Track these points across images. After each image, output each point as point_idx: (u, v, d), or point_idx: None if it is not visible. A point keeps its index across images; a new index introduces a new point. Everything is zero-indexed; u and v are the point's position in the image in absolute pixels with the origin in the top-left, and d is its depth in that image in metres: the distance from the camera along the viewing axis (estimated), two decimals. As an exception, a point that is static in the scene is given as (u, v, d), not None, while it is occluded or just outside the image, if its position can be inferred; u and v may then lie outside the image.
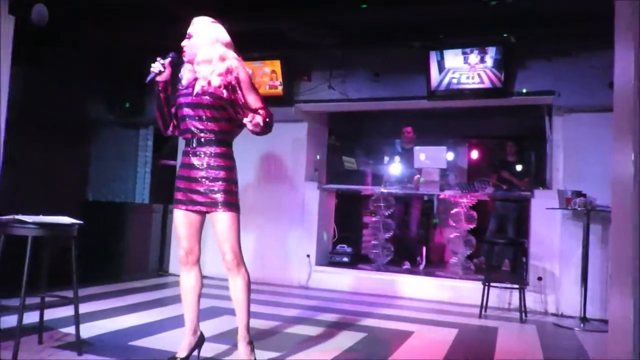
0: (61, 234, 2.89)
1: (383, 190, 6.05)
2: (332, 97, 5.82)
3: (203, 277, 2.86)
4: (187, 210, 2.70)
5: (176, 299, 4.68)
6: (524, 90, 5.16)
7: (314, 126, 6.33)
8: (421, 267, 6.27)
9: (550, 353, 3.54)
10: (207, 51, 2.66)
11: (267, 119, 2.62)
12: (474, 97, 5.32)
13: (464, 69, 5.24)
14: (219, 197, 2.63)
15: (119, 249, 5.88)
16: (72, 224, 2.90)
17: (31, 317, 3.12)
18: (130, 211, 6.11)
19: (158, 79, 2.71)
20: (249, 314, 2.72)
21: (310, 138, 6.21)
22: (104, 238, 5.75)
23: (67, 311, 3.26)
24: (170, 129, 2.83)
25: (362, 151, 8.41)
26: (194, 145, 2.67)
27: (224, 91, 2.62)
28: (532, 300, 4.97)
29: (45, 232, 2.78)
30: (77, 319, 2.92)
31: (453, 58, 5.27)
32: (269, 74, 5.83)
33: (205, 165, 2.65)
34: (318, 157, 6.35)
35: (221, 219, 2.64)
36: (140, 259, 6.14)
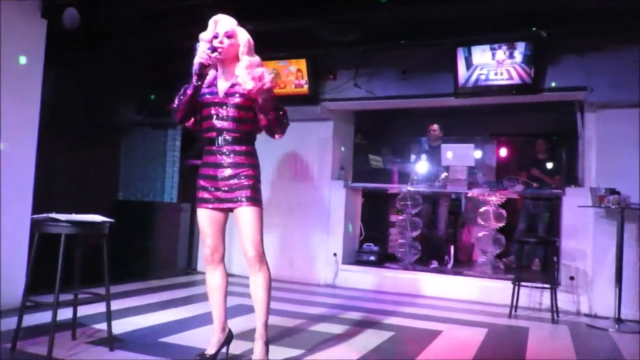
0: (93, 232, 2.95)
1: (410, 188, 6.00)
2: (358, 95, 5.80)
3: (229, 275, 2.88)
4: (214, 209, 2.72)
5: (204, 297, 4.72)
6: (555, 86, 5.06)
7: (340, 125, 6.32)
8: (449, 266, 6.20)
9: (584, 354, 3.46)
10: (251, 58, 2.69)
11: (282, 114, 2.71)
12: (502, 93, 5.23)
13: (492, 65, 5.16)
14: (244, 193, 2.66)
15: (148, 247, 5.98)
16: (104, 222, 2.96)
17: (65, 314, 3.19)
18: (159, 210, 6.21)
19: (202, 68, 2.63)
20: (268, 312, 2.74)
21: (336, 137, 6.20)
22: (133, 236, 5.85)
23: (99, 308, 3.31)
24: (191, 123, 2.79)
25: (389, 149, 8.36)
26: (221, 144, 2.68)
27: (254, 94, 2.66)
28: (564, 300, 4.87)
29: (78, 230, 2.84)
30: (108, 316, 2.98)
31: (481, 54, 5.19)
32: (294, 73, 5.85)
33: (232, 164, 2.67)
34: (343, 148, 6.32)
35: (246, 214, 2.66)
36: (168, 257, 6.23)
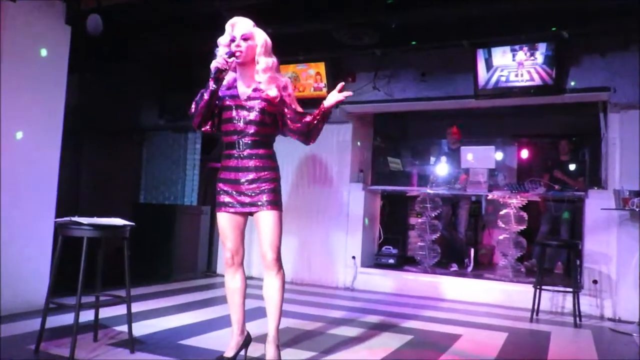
0: (114, 235, 2.99)
1: (429, 191, 5.96)
2: (377, 98, 5.80)
3: (248, 278, 2.89)
4: (234, 212, 2.73)
5: (224, 299, 4.75)
6: (577, 87, 4.99)
7: (359, 127, 6.32)
8: (469, 269, 6.14)
9: (607, 359, 3.39)
10: (267, 59, 2.71)
11: (315, 121, 2.74)
12: (523, 95, 5.18)
13: (513, 66, 5.11)
14: (265, 196, 2.67)
15: (169, 250, 6.04)
16: (125, 226, 3.00)
17: (87, 316, 3.25)
18: (180, 213, 6.26)
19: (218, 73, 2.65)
20: (281, 316, 2.74)
21: (355, 139, 6.19)
22: (154, 239, 5.93)
23: (121, 310, 3.36)
24: (208, 126, 2.78)
25: (408, 152, 8.32)
26: (241, 147, 2.69)
27: (277, 102, 2.71)
28: (587, 304, 4.79)
29: (99, 234, 2.88)
30: (129, 318, 3.02)
31: (501, 56, 5.14)
32: (313, 76, 5.86)
33: (253, 167, 2.69)
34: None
35: (266, 217, 2.67)
36: (189, 260, 6.28)
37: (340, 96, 2.72)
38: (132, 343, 3.01)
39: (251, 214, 2.73)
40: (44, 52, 4.03)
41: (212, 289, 5.51)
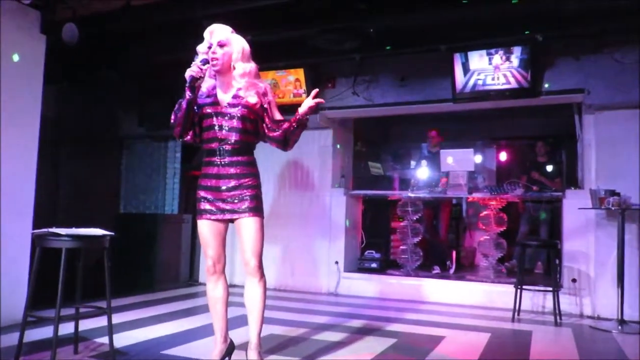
0: (94, 246, 2.95)
1: (410, 194, 6.01)
2: (357, 103, 5.83)
3: (231, 285, 2.88)
4: (216, 220, 2.72)
5: (207, 308, 4.72)
6: (552, 89, 5.08)
7: (339, 133, 6.34)
8: (451, 271, 6.19)
9: (588, 357, 3.45)
10: (245, 64, 2.71)
11: (291, 129, 2.74)
12: (500, 98, 5.26)
13: (489, 70, 5.19)
14: (247, 203, 2.67)
15: (150, 260, 5.99)
16: (104, 236, 2.96)
17: (67, 328, 3.19)
18: (161, 222, 6.21)
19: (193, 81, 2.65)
20: (263, 323, 2.74)
21: (336, 144, 6.22)
22: (135, 249, 5.87)
23: (101, 321, 3.32)
24: (190, 136, 2.77)
25: (389, 156, 8.37)
26: (222, 154, 2.68)
27: (258, 108, 2.72)
28: (566, 303, 4.86)
29: (78, 244, 2.84)
30: (110, 329, 2.98)
31: (478, 59, 5.22)
32: (292, 82, 5.88)
33: (234, 174, 2.68)
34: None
35: (248, 224, 2.67)
36: (170, 269, 6.23)
37: (313, 102, 2.72)
38: (114, 355, 2.97)
39: (232, 221, 2.73)
40: (15, 57, 3.96)
41: (194, 298, 5.46)
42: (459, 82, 5.29)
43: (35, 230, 2.91)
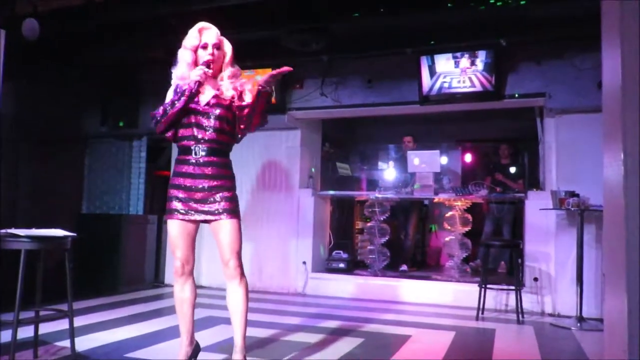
0: (54, 247, 2.88)
1: (378, 195, 6.06)
2: (325, 104, 5.84)
3: (198, 287, 2.84)
4: (187, 220, 2.67)
5: (173, 310, 4.66)
6: (515, 94, 5.20)
7: (307, 133, 6.35)
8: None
9: (548, 353, 3.54)
10: (233, 68, 2.73)
11: (253, 104, 2.67)
12: (465, 100, 5.35)
13: (455, 73, 5.28)
14: (224, 205, 2.65)
15: (114, 261, 5.87)
16: (65, 237, 2.89)
17: (26, 332, 3.10)
18: (125, 223, 6.09)
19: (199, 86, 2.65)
20: (247, 324, 2.71)
21: (303, 145, 6.22)
22: (98, 250, 5.75)
23: (63, 325, 3.24)
24: (171, 134, 2.72)
25: (357, 157, 8.43)
26: (198, 154, 2.64)
27: (232, 105, 2.69)
28: (528, 301, 4.99)
29: (38, 246, 2.77)
30: (72, 333, 2.91)
31: (444, 63, 5.30)
32: (260, 83, 5.83)
33: (210, 175, 2.65)
34: (313, 170, 6.34)
35: (226, 226, 2.65)
36: (135, 271, 6.12)
37: (275, 71, 2.60)
38: (75, 358, 2.90)
39: (206, 221, 2.69)
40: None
41: (159, 299, 5.38)
42: (426, 84, 5.37)
43: (-7, 231, 2.82)
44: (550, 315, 4.92)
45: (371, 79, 5.67)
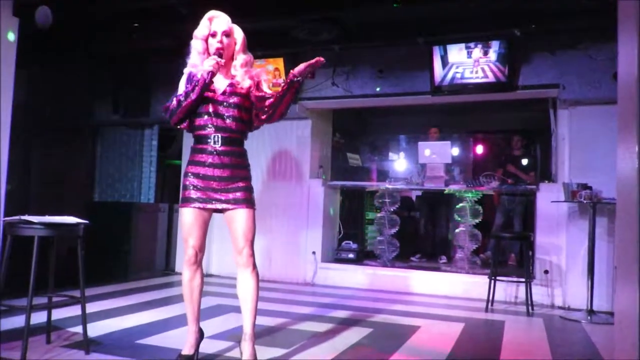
0: (67, 234, 2.90)
1: (388, 186, 6.04)
2: (336, 94, 5.82)
3: (208, 275, 2.86)
4: (203, 209, 2.67)
5: (182, 298, 4.71)
6: (528, 84, 5.15)
7: (318, 123, 6.33)
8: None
9: (558, 346, 3.53)
10: (245, 55, 2.71)
11: (280, 96, 2.64)
12: (477, 91, 5.30)
13: (468, 63, 5.23)
14: (240, 194, 2.65)
15: (126, 249, 5.91)
16: (78, 224, 2.92)
17: (39, 317, 3.14)
18: (136, 211, 6.13)
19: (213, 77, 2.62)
20: (256, 313, 2.72)
21: (314, 135, 6.21)
22: (110, 238, 5.79)
23: (75, 311, 3.28)
24: (186, 124, 2.72)
25: (367, 147, 8.41)
26: (216, 143, 2.63)
27: (250, 94, 2.69)
28: (538, 293, 4.97)
29: (51, 232, 2.80)
30: (84, 318, 2.94)
31: (456, 53, 5.25)
32: (272, 72, 5.83)
33: (227, 164, 2.64)
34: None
35: (242, 216, 2.65)
36: (146, 258, 6.17)
37: (313, 60, 2.53)
38: (87, 344, 2.93)
39: (221, 210, 2.69)
40: (11, 37, 3.85)
41: (169, 287, 5.42)
42: (438, 75, 5.32)
43: (7, 218, 2.85)
44: (561, 308, 4.90)
45: (382, 69, 5.63)
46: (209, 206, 2.66)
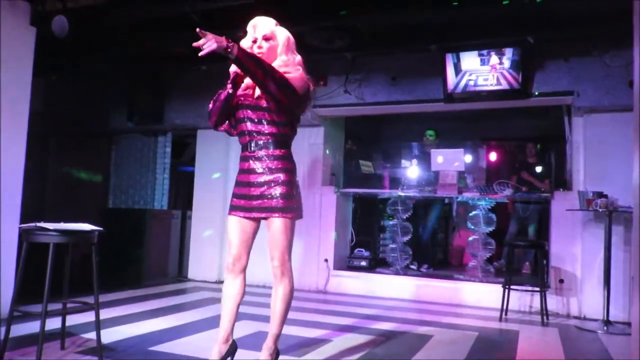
0: (82, 241, 2.93)
1: (400, 193, 6.02)
2: (349, 102, 5.83)
3: (247, 285, 2.79)
4: (244, 217, 2.64)
5: (195, 305, 4.73)
6: (542, 91, 5.11)
7: (330, 130, 6.34)
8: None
9: (573, 356, 3.48)
10: (286, 56, 2.66)
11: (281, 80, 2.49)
12: (491, 98, 5.28)
13: (481, 70, 5.21)
14: (276, 202, 2.57)
15: (139, 255, 5.95)
16: (93, 231, 2.94)
17: (54, 323, 3.18)
18: (150, 218, 6.17)
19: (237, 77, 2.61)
20: (282, 325, 2.67)
21: (327, 142, 6.21)
22: (124, 244, 5.83)
23: (89, 317, 3.30)
24: (225, 126, 2.72)
25: (379, 155, 8.38)
26: (253, 148, 2.61)
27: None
28: (553, 303, 4.91)
29: (66, 239, 2.82)
30: (98, 325, 2.95)
31: (470, 60, 5.24)
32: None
33: (265, 169, 2.60)
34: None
35: (275, 223, 2.59)
36: (159, 265, 6.20)
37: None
38: (101, 350, 2.95)
39: (264, 219, 2.64)
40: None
41: (183, 294, 5.44)
42: (451, 82, 5.31)
43: (23, 225, 2.88)
44: (576, 317, 4.83)
45: (395, 76, 5.63)
46: (248, 215, 2.62)
